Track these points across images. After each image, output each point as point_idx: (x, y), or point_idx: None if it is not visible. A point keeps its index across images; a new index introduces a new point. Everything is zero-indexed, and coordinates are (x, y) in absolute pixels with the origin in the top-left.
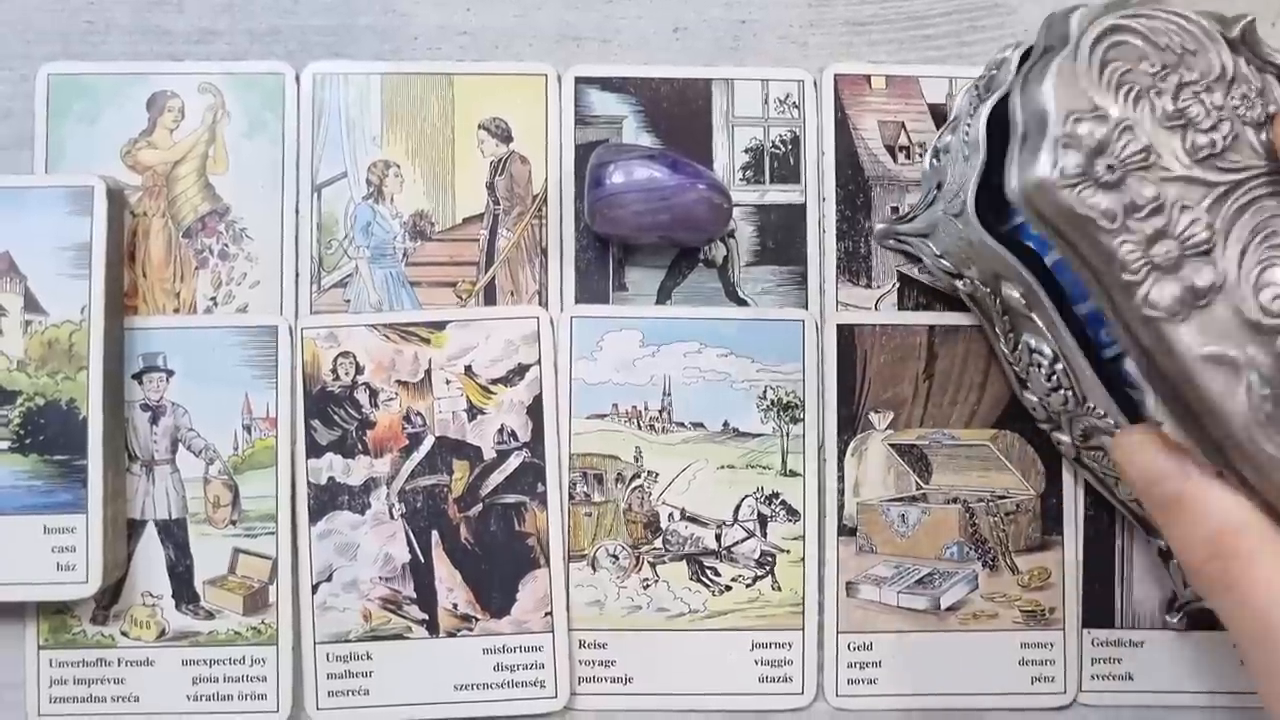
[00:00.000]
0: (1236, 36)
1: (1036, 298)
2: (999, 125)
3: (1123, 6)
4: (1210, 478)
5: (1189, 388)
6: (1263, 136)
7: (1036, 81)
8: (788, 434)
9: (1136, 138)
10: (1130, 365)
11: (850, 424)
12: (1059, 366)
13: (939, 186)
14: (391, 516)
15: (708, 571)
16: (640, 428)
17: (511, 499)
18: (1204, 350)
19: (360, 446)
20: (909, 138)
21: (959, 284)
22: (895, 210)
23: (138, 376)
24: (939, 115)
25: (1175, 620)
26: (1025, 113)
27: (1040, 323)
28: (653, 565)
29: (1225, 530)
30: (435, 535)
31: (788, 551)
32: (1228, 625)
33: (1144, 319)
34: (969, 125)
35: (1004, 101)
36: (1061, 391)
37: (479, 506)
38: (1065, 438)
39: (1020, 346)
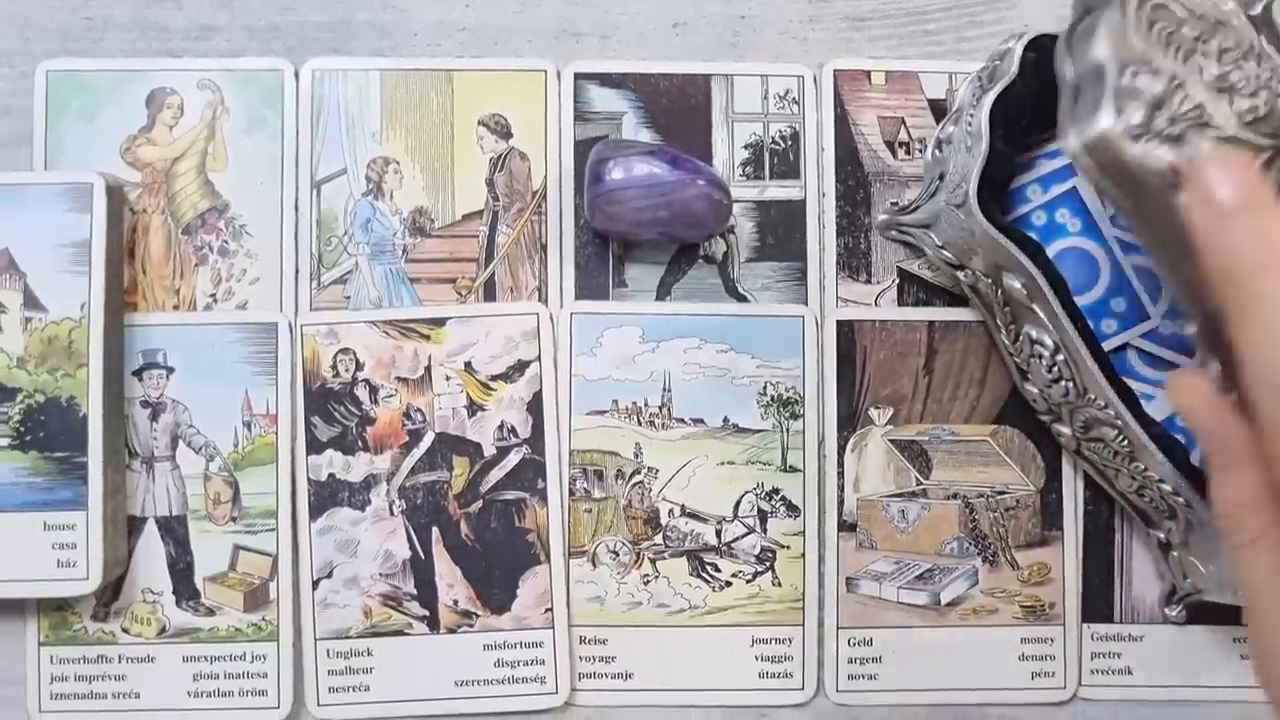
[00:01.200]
0: (1258, 15)
1: (1038, 288)
2: (1001, 116)
3: None
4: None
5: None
6: None
7: (1086, 38)
8: (788, 430)
9: (1190, 95)
10: (1132, 356)
11: (850, 420)
12: (1060, 358)
13: (941, 177)
14: (392, 513)
15: (708, 567)
16: (640, 424)
17: (512, 495)
18: None
19: (360, 443)
20: (909, 133)
21: (960, 275)
22: (895, 205)
23: (138, 373)
24: (939, 110)
25: (1175, 613)
26: (1078, 68)
27: (1041, 314)
28: (653, 561)
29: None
30: (435, 532)
31: (788, 547)
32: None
33: (1204, 282)
34: (971, 116)
35: (1007, 92)
36: (1062, 383)
37: (479, 503)
38: (1066, 429)
39: (1021, 338)
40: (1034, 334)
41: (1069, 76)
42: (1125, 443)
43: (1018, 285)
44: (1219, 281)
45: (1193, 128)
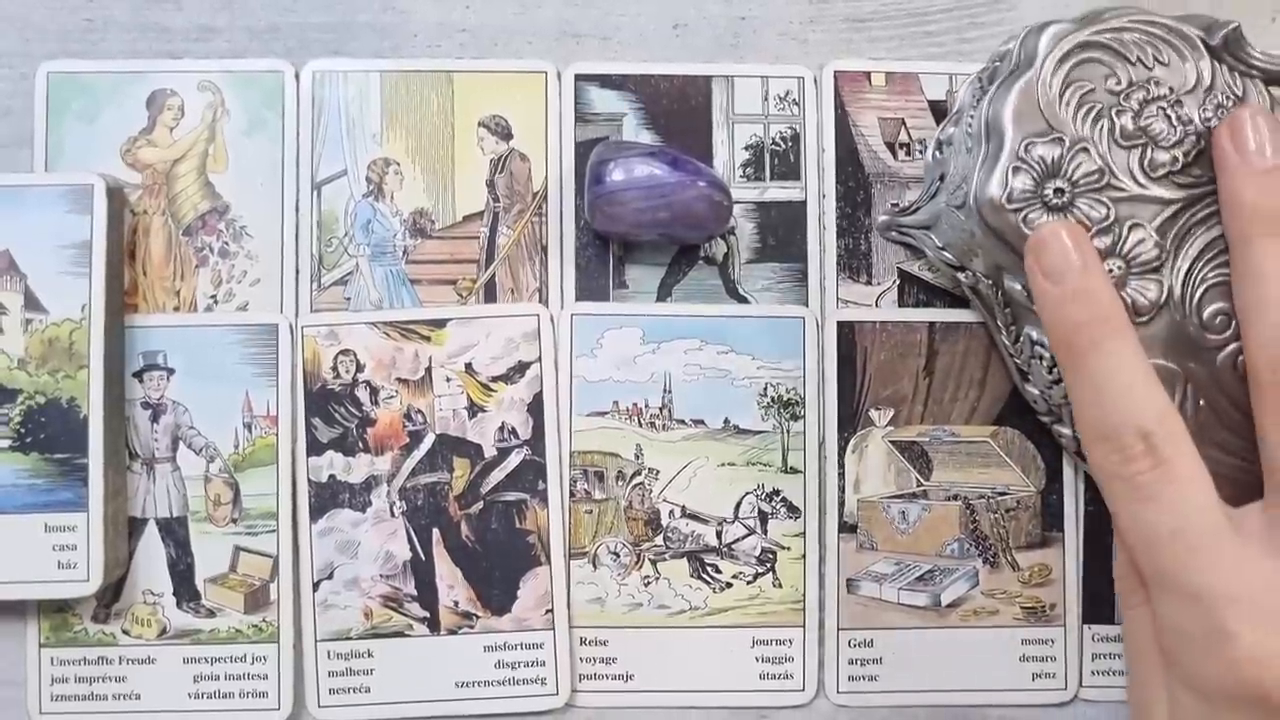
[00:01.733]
0: (1219, 44)
1: None
2: None
3: (1097, 20)
4: (1101, 277)
5: None
6: None
7: (1000, 101)
8: (788, 431)
9: (1092, 158)
10: None
11: (851, 421)
12: None
13: (941, 178)
14: (392, 514)
15: (708, 569)
16: (641, 425)
17: (512, 497)
18: None
19: (361, 444)
20: (909, 134)
21: (961, 276)
22: (895, 206)
23: (138, 375)
24: (939, 112)
25: None
26: (989, 130)
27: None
28: (653, 562)
29: (1084, 323)
30: (436, 533)
31: (788, 548)
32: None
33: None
34: (972, 117)
35: None
36: (1063, 384)
37: (480, 504)
38: (1066, 430)
39: (1022, 339)
40: (1034, 335)
41: (984, 134)
42: None
43: (1018, 286)
44: (1054, 345)
45: (1086, 193)
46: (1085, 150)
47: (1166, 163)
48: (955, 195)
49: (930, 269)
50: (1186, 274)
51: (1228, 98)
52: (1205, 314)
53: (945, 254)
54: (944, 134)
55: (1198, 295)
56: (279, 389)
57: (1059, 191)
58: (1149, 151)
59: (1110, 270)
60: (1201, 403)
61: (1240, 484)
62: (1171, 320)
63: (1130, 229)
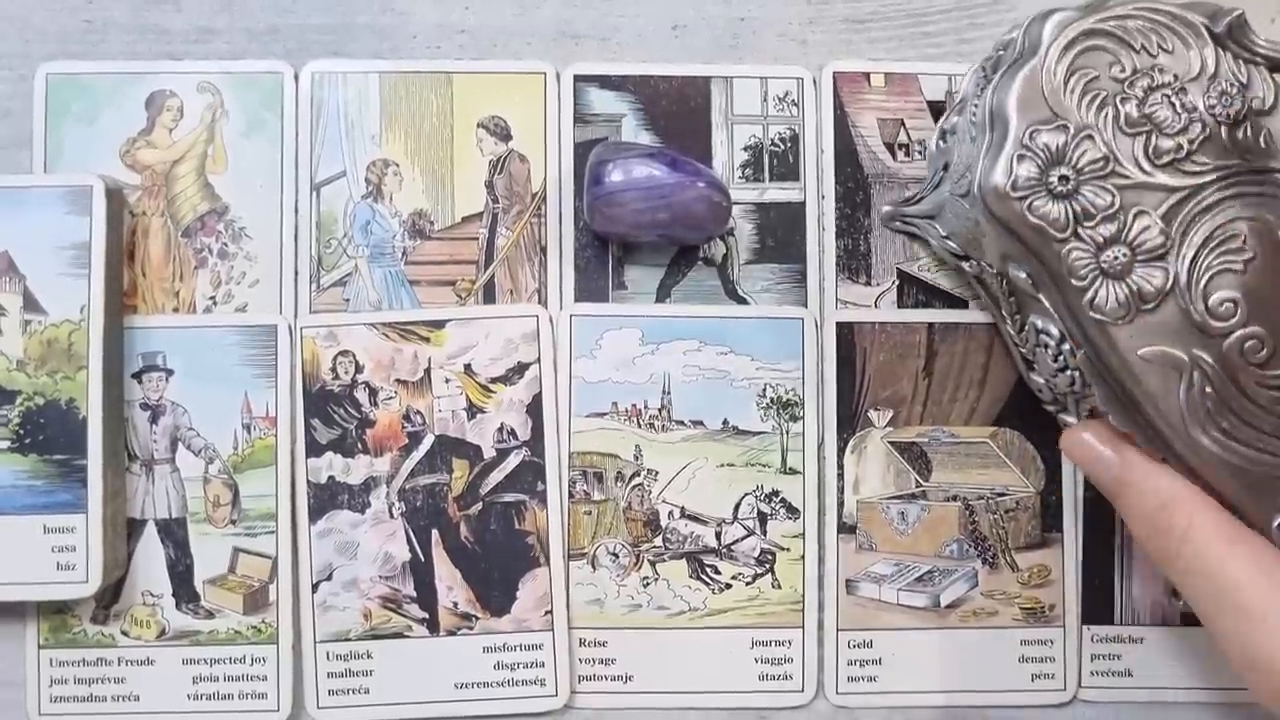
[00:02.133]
0: (1223, 31)
1: (1043, 278)
2: None
3: (1102, 7)
4: (1146, 461)
5: (1129, 384)
6: (1237, 134)
7: (1005, 89)
8: (787, 432)
9: (1096, 145)
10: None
11: (850, 422)
12: (1066, 347)
13: (945, 168)
14: (391, 515)
15: (708, 569)
16: (640, 426)
17: (511, 498)
18: (1145, 350)
19: (360, 445)
20: (908, 135)
21: (965, 266)
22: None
23: (137, 376)
24: (938, 112)
25: (1179, 603)
26: (993, 118)
27: (1047, 303)
28: (653, 563)
29: (1159, 509)
30: (435, 534)
31: (787, 549)
32: (1184, 597)
33: (1090, 320)
34: (976, 105)
35: None
36: (1069, 372)
37: (479, 505)
38: (1071, 419)
39: (1027, 328)
40: (1039, 324)
41: (988, 122)
42: None
43: (1023, 275)
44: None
45: (1090, 180)
46: (1090, 138)
47: (1171, 150)
48: (959, 184)
49: (930, 269)
50: (1192, 261)
51: (1232, 85)
52: (1211, 300)
53: (949, 243)
54: (948, 123)
55: (1203, 282)
56: (278, 390)
57: (1063, 179)
58: (1153, 139)
59: (1115, 257)
60: (1208, 389)
61: (1248, 474)
62: (1177, 307)
63: (1135, 216)
